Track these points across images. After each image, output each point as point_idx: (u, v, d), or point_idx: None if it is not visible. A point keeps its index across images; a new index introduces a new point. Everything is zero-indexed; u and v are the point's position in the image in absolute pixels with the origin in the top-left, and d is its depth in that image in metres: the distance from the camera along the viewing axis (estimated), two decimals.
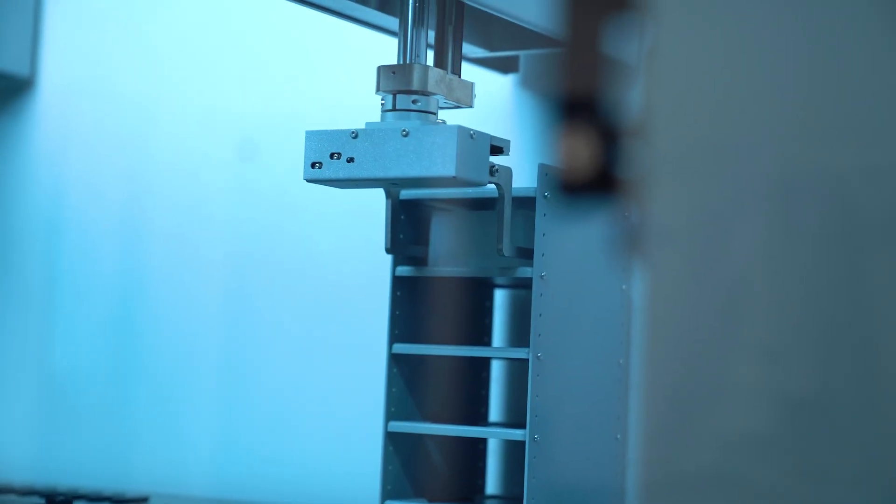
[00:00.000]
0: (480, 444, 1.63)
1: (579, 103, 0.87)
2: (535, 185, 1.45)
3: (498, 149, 1.41)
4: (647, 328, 0.87)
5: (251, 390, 1.88)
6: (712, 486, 0.84)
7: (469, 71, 1.72)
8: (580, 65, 0.88)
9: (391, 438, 1.51)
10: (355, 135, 1.37)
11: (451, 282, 1.57)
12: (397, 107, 1.39)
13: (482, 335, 1.63)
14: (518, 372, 1.64)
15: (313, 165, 1.39)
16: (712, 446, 0.84)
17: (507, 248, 1.43)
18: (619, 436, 1.52)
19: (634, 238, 0.90)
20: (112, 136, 2.02)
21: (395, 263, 1.53)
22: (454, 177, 1.35)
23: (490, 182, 1.40)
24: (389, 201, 1.50)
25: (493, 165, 1.40)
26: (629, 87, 0.88)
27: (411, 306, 1.54)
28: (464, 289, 1.60)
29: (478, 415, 1.62)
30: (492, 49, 1.67)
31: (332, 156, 1.38)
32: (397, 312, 1.53)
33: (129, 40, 2.03)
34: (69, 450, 1.97)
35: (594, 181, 0.86)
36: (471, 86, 1.47)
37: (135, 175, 2.01)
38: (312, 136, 1.40)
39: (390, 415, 1.51)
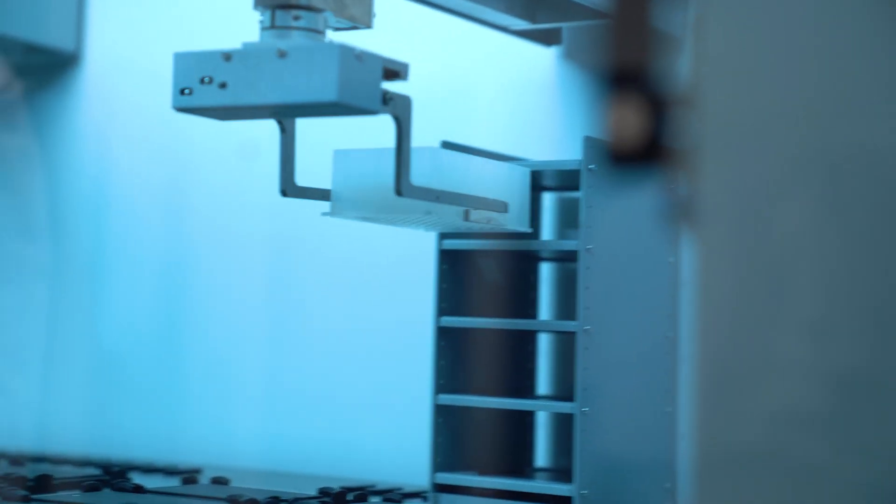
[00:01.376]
0: (528, 417, 1.63)
1: (626, 74, 0.87)
2: (579, 157, 1.44)
3: (393, 72, 1.22)
4: (696, 302, 0.87)
5: (299, 364, 1.89)
6: (761, 461, 0.84)
7: (511, 43, 1.72)
8: (627, 35, 0.87)
9: (440, 411, 1.52)
10: (228, 57, 1.19)
11: (497, 255, 1.57)
12: (276, 24, 1.21)
13: (528, 309, 1.63)
14: (565, 345, 1.64)
15: (182, 92, 1.21)
16: (761, 421, 0.84)
17: (405, 189, 1.26)
18: (668, 409, 1.52)
19: (682, 210, 0.90)
20: (156, 111, 2.03)
21: (442, 237, 1.53)
22: (336, 102, 1.17)
23: (383, 111, 1.22)
24: (284, 137, 1.32)
25: (386, 93, 1.22)
26: (676, 58, 0.87)
27: (458, 280, 1.54)
28: (510, 262, 1.60)
29: (525, 388, 1.63)
30: (534, 21, 1.66)
31: (202, 80, 1.20)
32: (444, 286, 1.53)
33: (173, 16, 2.04)
34: (122, 423, 2.00)
35: (643, 152, 0.86)
36: (369, 2, 1.27)
37: (179, 150, 2.03)
38: (181, 59, 1.21)
39: (439, 388, 1.52)
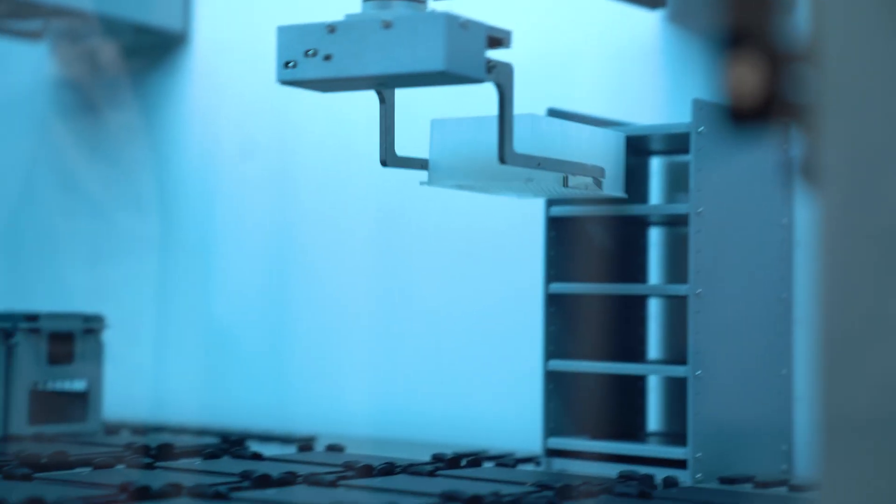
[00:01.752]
0: (640, 381, 1.63)
1: (743, 31, 0.86)
2: (687, 120, 1.44)
3: (497, 40, 1.21)
4: (816, 263, 0.86)
5: (410, 332, 1.91)
6: (885, 426, 0.83)
7: (615, 8, 1.71)
8: None
9: (551, 377, 1.53)
10: (332, 29, 1.19)
11: (605, 220, 1.57)
12: None
13: (637, 274, 1.63)
14: (676, 309, 1.63)
15: (286, 65, 1.21)
16: (880, 385, 0.83)
17: (508, 156, 1.25)
18: (783, 371, 1.51)
19: (799, 170, 0.89)
20: (263, 89, 2.06)
21: (549, 204, 1.53)
22: (443, 72, 1.16)
23: (487, 80, 1.21)
24: (383, 107, 1.31)
25: (490, 61, 1.21)
26: (794, 12, 0.86)
27: (566, 247, 1.55)
28: (618, 227, 1.60)
29: (636, 353, 1.63)
30: None
31: (306, 53, 1.20)
32: (552, 253, 1.54)
33: None
34: (236, 393, 2.04)
35: (762, 109, 0.85)
36: None
37: (285, 127, 2.05)
38: (285, 32, 1.21)
39: (549, 354, 1.53)
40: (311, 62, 1.20)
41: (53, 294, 2.18)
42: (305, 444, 1.70)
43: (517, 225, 1.78)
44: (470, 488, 1.28)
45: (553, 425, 1.53)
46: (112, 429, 1.79)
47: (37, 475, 1.33)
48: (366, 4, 1.22)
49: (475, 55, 1.19)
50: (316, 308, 2.00)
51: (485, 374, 1.84)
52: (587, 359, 1.54)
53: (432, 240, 1.90)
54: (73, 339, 1.74)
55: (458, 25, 1.17)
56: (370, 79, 1.21)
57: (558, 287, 1.53)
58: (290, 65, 1.21)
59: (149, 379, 2.11)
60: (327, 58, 1.19)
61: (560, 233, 1.54)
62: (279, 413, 1.98)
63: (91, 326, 1.76)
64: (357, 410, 1.94)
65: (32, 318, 1.71)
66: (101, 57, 2.12)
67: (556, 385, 1.53)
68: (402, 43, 1.17)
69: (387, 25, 1.17)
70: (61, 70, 2.21)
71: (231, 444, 1.66)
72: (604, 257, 1.59)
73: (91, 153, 2.20)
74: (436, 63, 1.16)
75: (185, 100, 2.16)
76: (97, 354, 1.77)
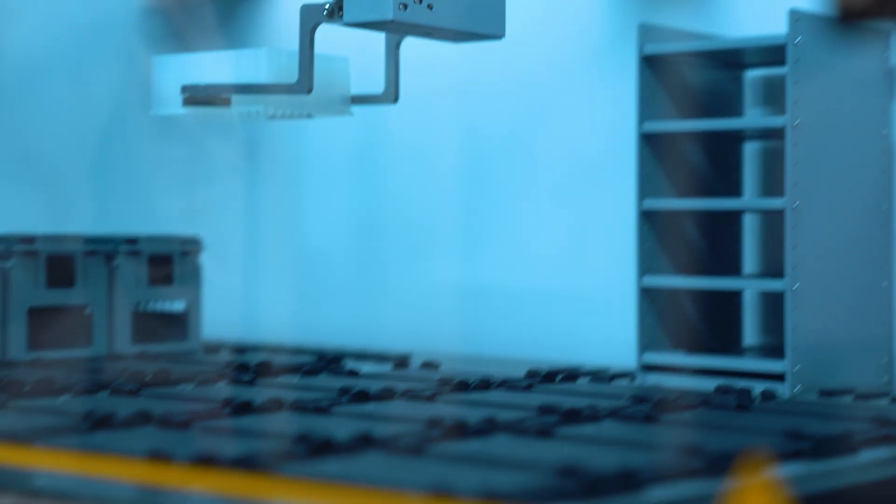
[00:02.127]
0: (736, 296, 1.62)
1: None
2: (784, 32, 1.41)
3: None
4: None
5: (503, 250, 1.91)
6: None
7: None
8: None
9: (645, 293, 1.53)
10: None
11: (698, 136, 1.56)
12: None
13: (732, 189, 1.61)
14: (772, 224, 1.62)
15: (401, 7, 1.32)
16: None
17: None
18: (884, 283, 1.49)
19: None
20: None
21: (642, 119, 1.52)
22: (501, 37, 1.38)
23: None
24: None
25: None
26: None
27: (659, 163, 1.53)
28: (712, 143, 1.58)
29: (731, 268, 1.62)
30: None
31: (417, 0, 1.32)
32: (645, 170, 1.53)
33: None
34: (328, 314, 2.07)
35: (873, 6, 0.83)
36: None
37: (371, 51, 2.05)
38: None
39: (643, 270, 1.53)
40: (417, 8, 1.33)
41: (147, 219, 2.22)
42: (401, 362, 1.72)
43: (609, 141, 1.77)
44: (566, 402, 1.29)
45: (648, 340, 1.53)
46: (210, 348, 1.83)
47: (143, 391, 1.36)
48: None
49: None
50: (406, 227, 2.01)
51: (579, 291, 1.84)
52: (682, 274, 1.53)
53: (525, 158, 1.90)
54: (171, 261, 1.77)
55: None
56: (456, 33, 1.37)
57: (652, 203, 1.52)
58: (401, 7, 1.32)
59: (243, 300, 2.14)
60: (429, 6, 1.33)
61: (653, 149, 1.53)
62: (372, 332, 2.00)
63: (188, 249, 1.79)
64: (450, 329, 1.96)
65: (132, 241, 1.74)
66: None
67: (650, 301, 1.53)
68: (481, 9, 1.35)
69: None
70: None
71: (327, 362, 1.69)
72: (697, 173, 1.58)
73: None
74: (500, 31, 1.37)
75: (271, 26, 2.16)
76: (195, 276, 1.80)
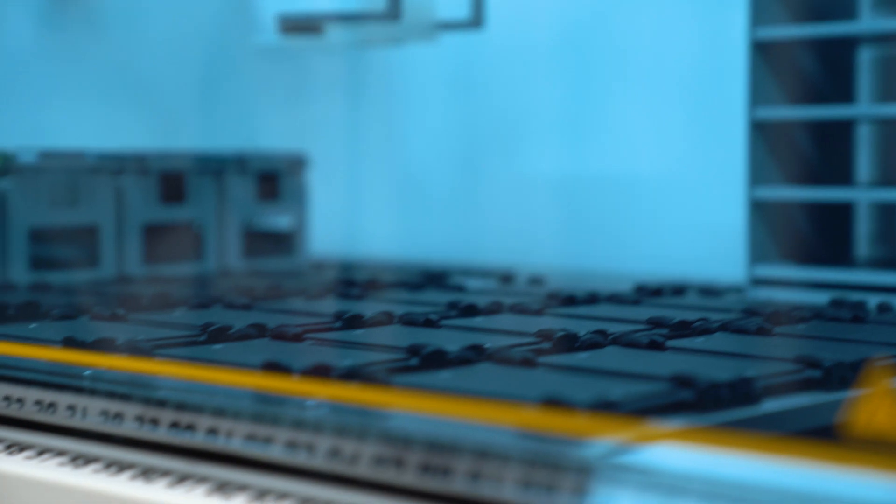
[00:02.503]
0: (848, 207, 1.59)
1: None
2: None
3: None
4: None
5: (606, 165, 1.89)
6: None
7: None
8: None
9: (756, 205, 1.50)
10: None
11: (811, 42, 1.52)
12: None
13: (845, 97, 1.57)
14: (886, 132, 1.57)
15: None
16: None
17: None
18: None
19: None
20: None
21: (755, 25, 1.48)
22: None
23: None
24: None
25: None
26: None
27: (770, 71, 1.50)
28: (824, 48, 1.54)
29: (845, 178, 1.58)
30: None
31: None
32: (756, 77, 1.49)
33: None
34: (431, 231, 2.08)
35: None
36: None
37: None
38: None
39: (754, 181, 1.50)
40: None
41: (252, 137, 2.24)
42: (505, 277, 1.73)
43: (718, 49, 1.73)
44: (676, 315, 1.28)
45: (758, 253, 1.51)
46: (317, 265, 1.85)
47: (255, 305, 1.38)
48: None
49: None
50: (507, 142, 2.00)
51: (689, 203, 1.82)
52: (793, 185, 1.50)
53: (626, 66, 1.87)
54: (277, 178, 1.79)
55: None
56: None
57: (762, 112, 1.49)
58: None
59: (347, 217, 2.16)
60: None
61: (764, 57, 1.49)
62: (475, 249, 2.01)
63: (294, 166, 1.81)
64: (552, 244, 1.95)
65: (240, 158, 1.76)
66: None
67: (760, 212, 1.51)
68: None
69: None
70: None
71: (433, 277, 1.70)
72: (809, 80, 1.54)
73: None
74: None
75: None
76: (301, 193, 1.82)
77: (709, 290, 1.55)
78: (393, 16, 1.40)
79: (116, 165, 1.65)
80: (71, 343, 1.11)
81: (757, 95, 1.49)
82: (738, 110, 1.53)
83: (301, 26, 1.48)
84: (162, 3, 2.38)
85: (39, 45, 2.50)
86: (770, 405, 0.92)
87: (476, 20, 1.52)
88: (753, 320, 1.26)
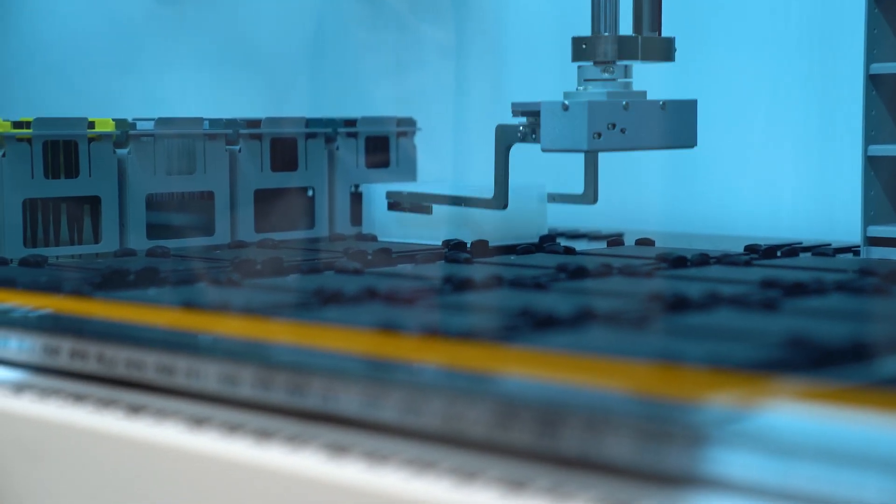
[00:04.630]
0: None
1: None
2: None
3: None
4: None
5: (719, 122, 1.87)
6: None
7: None
8: None
9: (871, 163, 1.47)
10: (626, 106, 1.47)
11: None
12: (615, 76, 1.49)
13: None
14: None
15: (595, 136, 1.45)
16: None
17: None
18: None
19: None
20: None
21: None
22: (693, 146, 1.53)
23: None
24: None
25: None
26: None
27: (890, 23, 1.46)
28: None
29: None
30: None
31: (609, 126, 1.46)
32: (875, 30, 1.46)
33: None
34: None
35: None
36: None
37: None
38: (594, 108, 1.44)
39: (869, 139, 1.47)
40: (611, 134, 1.46)
41: (356, 102, 2.25)
42: (615, 240, 1.71)
43: (833, 1, 1.69)
44: (790, 276, 1.26)
45: (873, 213, 1.47)
46: None
47: (366, 270, 1.40)
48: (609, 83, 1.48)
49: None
50: None
51: (801, 163, 1.79)
52: None
53: (735, 20, 1.83)
54: (387, 143, 1.80)
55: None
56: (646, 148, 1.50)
57: (880, 67, 1.45)
58: (596, 136, 1.45)
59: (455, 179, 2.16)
60: (622, 130, 1.46)
61: (883, 8, 1.45)
62: (581, 212, 2.00)
63: (404, 130, 1.82)
64: (662, 206, 1.93)
65: (351, 122, 1.78)
66: None
67: (876, 171, 1.47)
68: (673, 122, 1.50)
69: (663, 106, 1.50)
70: None
71: (541, 240, 1.69)
72: None
73: None
74: (692, 142, 1.54)
75: None
76: (411, 156, 1.83)
77: (822, 251, 1.52)
78: (499, 205, 1.55)
79: (231, 132, 1.67)
80: (188, 308, 1.13)
81: (874, 50, 1.45)
82: (855, 64, 1.49)
83: (408, 207, 1.65)
84: None
85: (154, 17, 2.55)
86: (890, 366, 0.90)
87: (589, 197, 1.61)
88: (870, 280, 1.24)
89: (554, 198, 1.66)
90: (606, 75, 1.46)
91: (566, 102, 1.45)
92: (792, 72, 1.79)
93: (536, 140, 1.48)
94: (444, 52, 2.18)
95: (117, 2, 2.65)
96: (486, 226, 1.59)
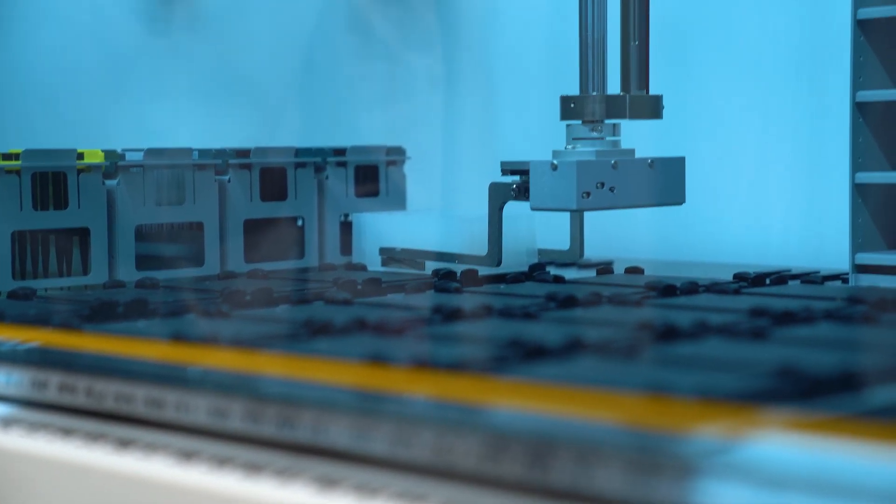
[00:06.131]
0: None
1: None
2: None
3: None
4: None
5: (706, 148, 1.87)
6: None
7: None
8: None
9: (859, 190, 1.48)
10: (615, 165, 1.48)
11: None
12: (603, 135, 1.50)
13: None
14: None
15: (584, 195, 1.47)
16: None
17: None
18: None
19: None
20: None
21: (857, 5, 1.45)
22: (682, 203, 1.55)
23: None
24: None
25: None
26: None
27: (876, 52, 1.47)
28: None
29: None
30: None
31: (598, 185, 1.47)
32: (861, 58, 1.46)
33: None
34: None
35: None
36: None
37: None
38: (583, 167, 1.46)
39: (857, 166, 1.47)
40: (600, 193, 1.47)
41: (346, 132, 2.26)
42: (604, 268, 1.72)
43: (823, 29, 1.71)
44: (778, 304, 1.27)
45: (861, 240, 1.48)
46: None
47: (355, 300, 1.40)
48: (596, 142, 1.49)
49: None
50: None
51: (788, 189, 1.80)
52: None
53: (730, 47, 1.84)
54: (377, 171, 1.80)
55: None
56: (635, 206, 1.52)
57: (866, 95, 1.46)
58: (585, 195, 1.46)
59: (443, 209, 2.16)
60: (611, 189, 1.48)
61: (869, 37, 1.46)
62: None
63: (393, 159, 1.82)
64: (650, 234, 1.94)
65: (340, 151, 1.78)
66: None
67: (864, 198, 1.48)
68: (661, 179, 1.51)
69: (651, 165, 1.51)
70: None
71: (532, 268, 1.69)
72: None
73: None
74: (680, 199, 1.55)
75: None
76: (400, 186, 1.83)
77: (811, 278, 1.52)
78: (492, 262, 1.57)
79: (220, 162, 1.67)
80: (178, 340, 1.13)
81: (860, 78, 1.46)
82: (841, 92, 1.50)
83: (400, 260, 1.66)
84: (263, 6, 2.41)
85: (146, 47, 2.55)
86: (879, 396, 0.90)
87: (575, 253, 1.62)
88: (859, 308, 1.24)
89: (540, 253, 1.69)
90: (595, 134, 1.47)
91: (555, 162, 1.46)
92: (780, 99, 1.80)
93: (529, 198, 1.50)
94: (434, 81, 2.18)
95: (109, 32, 2.65)
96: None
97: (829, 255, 1.67)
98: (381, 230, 1.66)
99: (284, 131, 2.32)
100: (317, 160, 1.76)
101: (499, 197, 1.52)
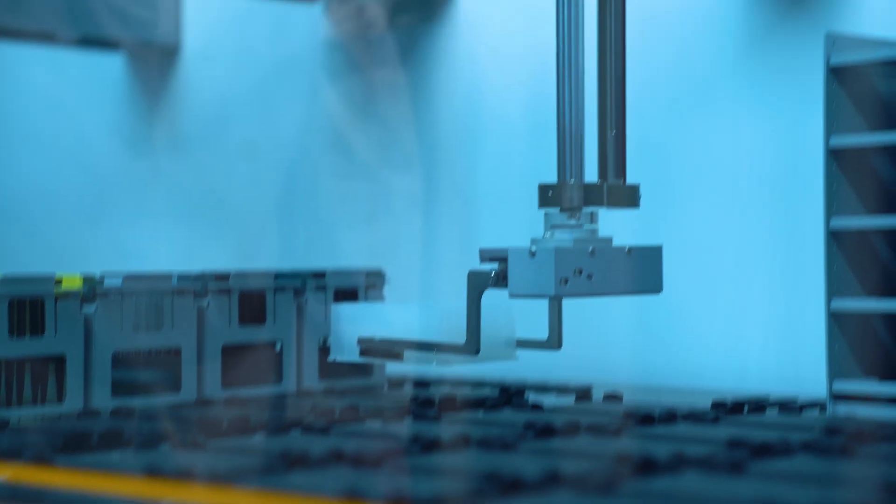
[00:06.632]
0: None
1: None
2: None
3: None
4: None
5: (682, 275, 1.88)
6: None
7: None
8: None
9: (834, 317, 1.48)
10: (593, 252, 1.47)
11: (888, 149, 1.51)
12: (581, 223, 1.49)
13: None
14: None
15: (562, 281, 1.45)
16: None
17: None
18: None
19: None
20: (530, 44, 2.05)
21: (829, 133, 1.48)
22: (659, 292, 1.51)
23: None
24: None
25: None
26: None
27: (848, 179, 1.49)
28: None
29: None
30: None
31: (576, 272, 1.46)
32: (833, 186, 1.48)
33: None
34: None
35: None
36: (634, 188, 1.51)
37: (551, 83, 2.05)
38: (561, 254, 1.45)
39: (832, 293, 1.48)
40: (578, 280, 1.45)
41: (326, 253, 2.26)
42: (583, 394, 1.71)
43: (796, 157, 1.73)
44: (756, 435, 1.27)
45: (838, 368, 1.48)
46: (394, 382, 1.85)
47: (333, 429, 1.39)
48: (576, 230, 1.47)
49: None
50: None
51: (764, 316, 1.80)
52: (873, 297, 1.48)
53: (703, 176, 1.86)
54: (356, 295, 1.80)
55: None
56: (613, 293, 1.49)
57: (841, 222, 1.48)
58: (563, 282, 1.44)
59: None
60: (589, 276, 1.46)
61: (841, 164, 1.48)
62: (550, 363, 2.00)
63: (372, 282, 1.82)
64: (627, 358, 1.94)
65: (320, 275, 1.78)
66: (370, 14, 2.18)
67: (840, 325, 1.49)
68: (639, 268, 1.49)
69: (629, 252, 1.49)
70: (334, 30, 2.27)
71: (510, 395, 1.69)
72: (888, 189, 1.52)
73: (360, 114, 2.26)
74: (657, 288, 1.50)
75: (451, 54, 2.18)
76: None
77: (789, 407, 1.52)
78: (471, 350, 1.51)
79: (199, 286, 1.67)
80: (151, 474, 1.12)
81: (833, 205, 1.48)
82: (815, 220, 1.52)
83: (378, 352, 1.61)
84: (242, 121, 2.44)
85: (128, 171, 2.57)
86: None
87: (554, 342, 1.61)
88: (836, 440, 1.24)
89: (519, 343, 1.65)
90: (573, 221, 1.47)
91: (533, 249, 1.45)
92: (757, 227, 1.82)
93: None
94: (413, 201, 2.20)
95: (90, 154, 2.67)
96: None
97: (806, 382, 1.67)
98: (359, 320, 1.64)
99: (265, 252, 2.33)
100: (296, 284, 1.76)
101: (477, 285, 1.50)
